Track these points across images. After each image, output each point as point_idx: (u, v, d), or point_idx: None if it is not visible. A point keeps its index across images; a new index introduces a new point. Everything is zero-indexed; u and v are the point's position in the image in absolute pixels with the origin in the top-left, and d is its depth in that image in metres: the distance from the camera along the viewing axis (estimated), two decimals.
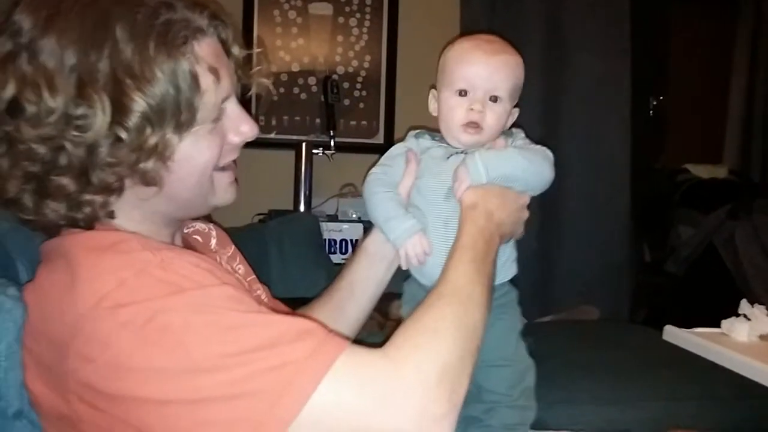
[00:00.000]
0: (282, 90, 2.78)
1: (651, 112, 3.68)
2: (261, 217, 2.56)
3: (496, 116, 0.98)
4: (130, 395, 0.71)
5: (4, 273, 0.91)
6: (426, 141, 1.03)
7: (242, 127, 0.86)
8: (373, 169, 1.04)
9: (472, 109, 0.97)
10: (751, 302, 1.19)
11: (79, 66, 0.73)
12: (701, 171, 3.25)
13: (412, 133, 1.06)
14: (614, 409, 1.51)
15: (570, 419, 1.40)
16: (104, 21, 0.74)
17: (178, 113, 0.76)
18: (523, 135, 1.04)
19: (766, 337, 1.15)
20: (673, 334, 1.20)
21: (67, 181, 0.77)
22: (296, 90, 2.81)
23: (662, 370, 1.64)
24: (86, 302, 0.71)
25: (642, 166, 3.13)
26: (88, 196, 0.78)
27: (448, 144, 1.02)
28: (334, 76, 2.78)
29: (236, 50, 0.87)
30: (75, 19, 0.74)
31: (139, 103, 0.74)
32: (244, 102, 0.93)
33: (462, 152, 0.99)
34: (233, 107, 0.86)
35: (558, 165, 3.19)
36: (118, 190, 0.79)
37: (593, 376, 1.64)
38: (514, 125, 1.06)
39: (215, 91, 0.80)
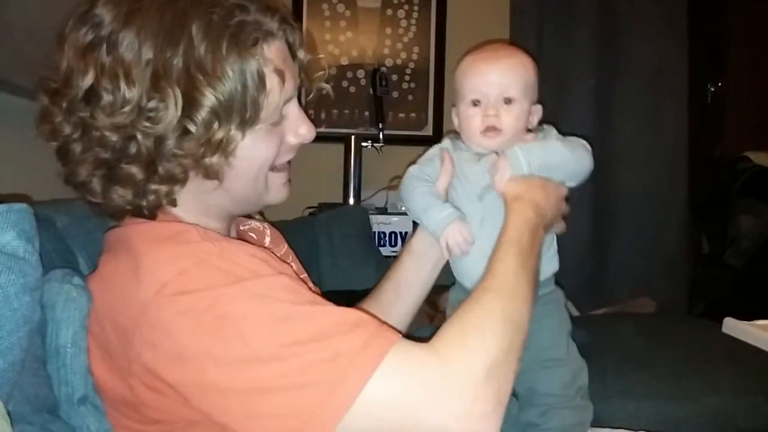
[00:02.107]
0: (331, 83, 2.79)
1: (709, 99, 3.57)
2: (311, 210, 2.58)
3: (512, 117, 0.99)
4: (189, 381, 0.74)
5: (66, 265, 0.95)
6: (461, 143, 1.04)
7: (301, 129, 0.89)
8: (410, 168, 1.06)
9: (487, 115, 0.98)
10: None
11: (155, 60, 0.77)
12: (763, 159, 3.14)
13: (449, 135, 1.08)
14: (672, 404, 1.48)
15: (626, 414, 1.38)
16: (181, 19, 0.77)
17: (244, 110, 0.80)
18: (555, 131, 1.03)
19: None
20: (732, 326, 1.17)
21: (135, 170, 0.80)
22: (345, 83, 2.82)
23: (721, 364, 1.59)
24: (149, 290, 0.74)
25: (700, 155, 3.04)
26: (153, 186, 0.81)
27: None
28: (383, 69, 2.78)
29: (302, 54, 0.90)
30: (154, 15, 0.78)
31: (209, 98, 0.77)
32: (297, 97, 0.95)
33: (495, 152, 0.99)
34: (295, 109, 0.89)
35: (613, 155, 3.16)
36: (182, 182, 0.82)
37: (650, 370, 1.60)
38: (545, 122, 1.06)
39: (279, 92, 0.83)
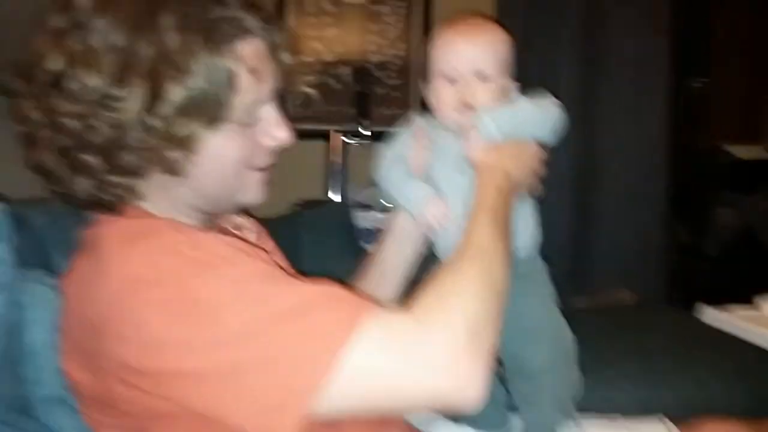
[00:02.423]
0: (315, 79, 2.80)
1: (691, 92, 3.61)
2: (295, 207, 2.58)
3: (488, 91, 0.98)
4: (167, 370, 0.73)
5: (42, 264, 0.95)
6: (433, 120, 1.03)
7: (277, 133, 0.87)
8: (383, 150, 1.05)
9: (461, 92, 0.98)
10: None
11: (123, 50, 0.76)
12: (741, 151, 3.18)
13: (418, 114, 1.07)
14: (651, 390, 1.51)
15: (604, 400, 1.39)
16: (155, 9, 0.76)
17: (212, 109, 0.78)
18: (517, 90, 1.03)
19: None
20: (706, 312, 1.20)
21: (94, 160, 0.79)
22: (329, 79, 2.83)
23: (697, 352, 1.62)
24: (120, 284, 0.74)
25: (681, 147, 3.07)
26: (113, 177, 0.80)
27: None
28: (367, 65, 2.79)
29: (285, 56, 0.88)
30: (127, 4, 0.77)
31: (175, 94, 0.76)
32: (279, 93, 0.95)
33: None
34: (271, 112, 0.87)
35: (594, 145, 3.18)
36: (143, 176, 0.82)
37: (629, 358, 1.63)
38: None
39: (252, 93, 0.82)
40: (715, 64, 3.64)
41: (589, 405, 1.25)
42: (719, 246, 3.01)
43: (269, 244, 1.10)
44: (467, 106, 0.98)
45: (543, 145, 1.00)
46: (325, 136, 2.65)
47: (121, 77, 0.76)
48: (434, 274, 0.81)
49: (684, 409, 1.14)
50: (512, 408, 1.08)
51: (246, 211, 1.12)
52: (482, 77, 0.98)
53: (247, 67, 0.80)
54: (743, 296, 1.23)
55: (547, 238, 1.09)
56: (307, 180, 2.69)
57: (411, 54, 2.87)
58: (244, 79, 0.80)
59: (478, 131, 0.94)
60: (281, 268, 1.06)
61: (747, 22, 3.63)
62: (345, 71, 2.83)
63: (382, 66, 2.86)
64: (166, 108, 0.76)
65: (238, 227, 1.06)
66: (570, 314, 1.11)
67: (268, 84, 0.84)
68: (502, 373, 1.05)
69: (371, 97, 2.74)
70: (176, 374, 0.73)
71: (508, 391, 1.07)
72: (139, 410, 0.78)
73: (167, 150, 0.78)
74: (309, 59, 2.78)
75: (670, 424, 1.07)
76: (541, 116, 0.98)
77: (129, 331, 0.73)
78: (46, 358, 0.85)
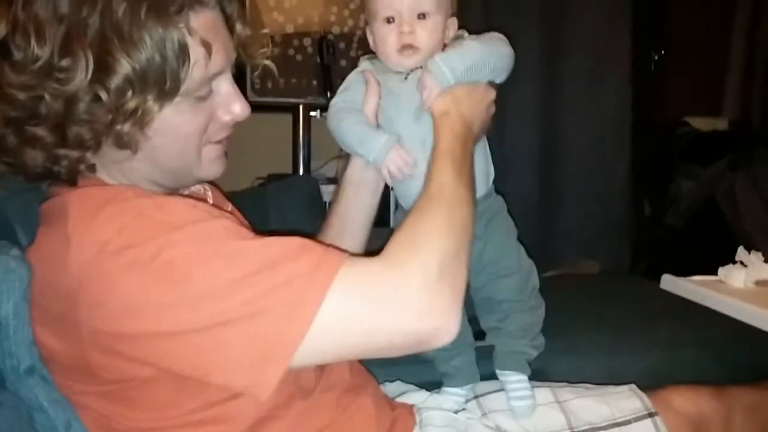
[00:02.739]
0: (277, 52, 2.75)
1: (652, 66, 3.65)
2: (260, 181, 2.56)
3: (428, 33, 0.97)
4: (144, 333, 0.73)
5: (4, 238, 0.92)
6: (381, 65, 1.02)
7: (233, 107, 0.87)
8: (334, 100, 1.04)
9: (402, 32, 0.97)
10: (749, 250, 1.20)
11: (69, 18, 0.73)
12: (701, 123, 3.23)
13: (365, 57, 1.06)
14: (615, 358, 1.54)
15: (571, 369, 1.42)
16: None
17: (162, 82, 0.76)
18: (466, 33, 1.03)
19: (762, 282, 1.16)
20: (670, 282, 1.21)
21: (42, 132, 0.78)
22: (291, 52, 2.78)
23: (661, 320, 1.67)
24: (89, 251, 0.73)
25: (643, 121, 3.11)
26: (63, 151, 0.79)
27: None
28: (329, 37, 2.75)
29: (239, 28, 0.87)
30: None
31: (123, 65, 0.74)
32: (239, 66, 0.93)
33: (419, 68, 0.98)
34: (226, 85, 0.86)
35: (557, 119, 3.21)
36: (93, 148, 0.80)
37: (594, 327, 1.66)
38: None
39: (205, 65, 0.80)
40: (674, 37, 3.68)
41: (558, 374, 1.27)
42: (682, 217, 3.07)
43: (227, 205, 1.10)
44: (409, 47, 0.97)
45: (493, 84, 1.01)
46: (289, 109, 2.62)
47: (66, 47, 0.74)
48: (403, 220, 0.83)
49: (651, 378, 1.17)
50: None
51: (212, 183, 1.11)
52: (422, 16, 0.97)
53: (199, 38, 0.78)
54: (706, 266, 1.25)
55: (513, 212, 1.11)
56: (273, 154, 2.67)
57: None
58: (196, 51, 0.79)
59: (432, 77, 0.94)
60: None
61: None
62: (307, 43, 2.79)
63: (344, 38, 2.82)
64: (114, 80, 0.74)
65: (194, 194, 1.04)
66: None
67: (221, 56, 0.82)
68: (469, 313, 1.07)
69: (335, 70, 2.71)
70: (154, 336, 0.73)
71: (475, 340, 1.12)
72: (118, 377, 0.78)
73: (117, 123, 0.77)
74: (269, 31, 2.73)
75: (639, 392, 1.09)
76: (492, 56, 0.98)
77: (103, 297, 0.73)
78: (15, 330, 0.84)
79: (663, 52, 3.64)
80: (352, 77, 1.05)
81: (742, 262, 1.18)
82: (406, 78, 0.99)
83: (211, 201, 1.05)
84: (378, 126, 1.01)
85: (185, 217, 0.76)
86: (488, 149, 1.07)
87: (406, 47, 0.97)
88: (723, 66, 3.61)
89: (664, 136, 3.29)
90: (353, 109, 1.01)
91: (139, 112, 0.77)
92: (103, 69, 0.74)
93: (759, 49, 3.49)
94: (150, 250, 0.72)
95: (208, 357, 0.73)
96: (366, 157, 0.99)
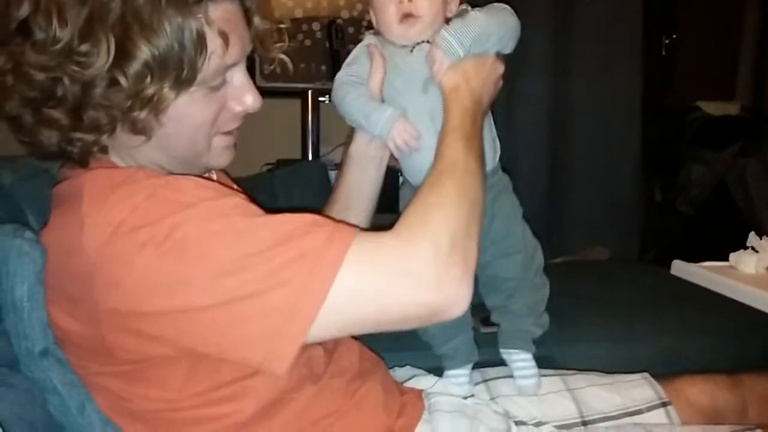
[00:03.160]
0: (285, 37, 2.74)
1: (663, 50, 3.61)
2: (269, 167, 2.56)
3: (428, 1, 0.97)
4: (161, 311, 0.74)
5: (16, 221, 0.92)
6: (386, 39, 1.02)
7: (245, 98, 0.87)
8: (338, 74, 1.04)
9: (401, 2, 0.96)
10: (760, 236, 1.19)
11: (92, 2, 0.74)
12: (713, 108, 3.20)
13: (370, 32, 1.05)
14: (625, 345, 1.53)
15: (580, 357, 1.42)
16: None
17: (180, 69, 0.77)
18: (470, 8, 1.02)
19: None
20: (681, 268, 1.20)
21: (59, 115, 0.78)
22: (300, 37, 2.77)
23: (672, 307, 1.66)
24: (105, 231, 0.74)
25: (653, 105, 3.09)
26: (78, 134, 0.80)
27: None
28: (339, 21, 2.73)
29: (258, 21, 0.88)
30: None
31: (143, 51, 0.75)
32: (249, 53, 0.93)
33: (424, 42, 0.98)
34: (240, 77, 0.86)
35: (567, 104, 3.19)
36: (109, 132, 0.81)
37: (603, 314, 1.65)
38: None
39: (222, 56, 0.81)
40: (686, 21, 3.65)
41: (568, 361, 1.27)
42: (693, 203, 3.05)
43: (232, 187, 1.09)
44: (409, 15, 0.97)
45: (500, 56, 1.01)
46: (298, 94, 2.61)
47: (88, 31, 0.74)
48: (415, 195, 0.84)
49: (662, 365, 1.17)
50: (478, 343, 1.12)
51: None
52: None
53: (217, 29, 0.80)
54: (717, 252, 1.24)
55: (523, 198, 1.11)
56: (282, 140, 2.67)
57: None
58: (213, 41, 0.79)
59: (441, 50, 0.94)
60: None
61: None
62: (316, 28, 2.78)
63: (353, 22, 2.81)
64: (134, 65, 0.75)
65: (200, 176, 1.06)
66: (547, 271, 1.13)
67: (237, 48, 0.83)
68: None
69: (344, 54, 2.70)
70: (171, 313, 0.74)
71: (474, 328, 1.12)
72: (135, 356, 0.79)
73: (134, 110, 0.78)
74: (278, 16, 2.72)
75: (654, 382, 1.09)
76: (498, 26, 0.98)
77: (119, 277, 0.74)
78: (30, 312, 0.85)
79: (674, 35, 3.61)
80: (357, 51, 1.04)
81: (753, 248, 1.17)
82: (411, 51, 0.99)
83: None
84: (383, 100, 1.01)
85: (196, 195, 0.77)
86: (493, 125, 1.07)
87: (407, 16, 0.97)
88: (735, 50, 3.58)
89: (675, 121, 3.27)
90: (358, 83, 1.01)
91: (156, 98, 0.78)
92: (123, 54, 0.75)
93: None
94: (164, 228, 0.73)
95: (225, 332, 0.74)
96: (371, 130, 0.99)
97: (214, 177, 1.06)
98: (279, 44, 0.95)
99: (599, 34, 2.84)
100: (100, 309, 0.76)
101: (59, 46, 0.74)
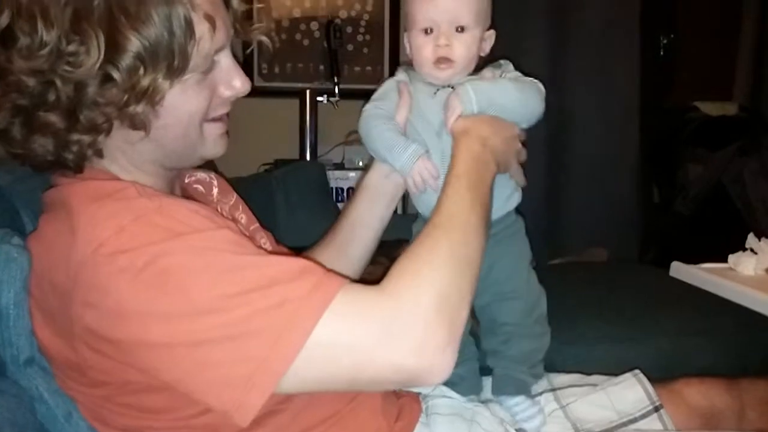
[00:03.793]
0: (284, 36, 2.74)
1: (661, 50, 3.62)
2: (267, 166, 2.56)
3: (465, 46, 0.97)
4: (133, 339, 0.72)
5: (10, 224, 0.92)
6: (415, 74, 1.03)
7: (234, 82, 0.86)
8: (367, 106, 1.04)
9: (438, 45, 0.97)
10: (759, 237, 1.19)
11: (74, 0, 0.72)
12: (711, 108, 3.20)
13: (402, 67, 1.06)
14: (623, 346, 1.53)
15: (578, 359, 1.42)
16: None
17: (172, 58, 0.75)
18: (512, 67, 1.03)
19: None
20: (679, 269, 1.20)
21: (54, 118, 0.77)
22: (298, 36, 2.78)
23: (670, 308, 1.65)
24: (86, 249, 0.72)
25: (651, 106, 3.10)
26: (75, 136, 0.78)
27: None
28: (337, 21, 2.74)
29: (236, 3, 0.86)
30: None
31: (134, 43, 0.73)
32: (245, 49, 0.92)
33: (449, 87, 0.99)
34: (227, 60, 0.85)
35: (564, 106, 3.17)
36: (106, 132, 0.79)
37: (602, 315, 1.66)
38: (504, 58, 1.05)
39: (210, 40, 0.79)
40: (684, 22, 3.65)
41: (566, 362, 1.27)
42: (691, 204, 3.05)
43: (232, 196, 1.09)
44: (445, 60, 0.97)
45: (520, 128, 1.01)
46: (296, 94, 2.61)
47: (75, 29, 0.73)
48: (407, 248, 0.80)
49: (660, 366, 1.16)
50: (485, 372, 1.10)
51: (214, 169, 1.11)
52: (460, 29, 0.98)
53: (203, 13, 0.78)
54: (716, 253, 1.24)
55: (522, 199, 1.09)
56: (280, 139, 2.67)
57: (381, 9, 2.82)
58: (201, 26, 0.78)
59: (458, 99, 0.94)
60: (250, 230, 1.06)
61: None
62: (314, 27, 2.78)
63: (351, 22, 2.81)
64: (125, 58, 0.73)
65: (200, 182, 1.05)
66: (545, 272, 1.13)
67: (222, 31, 0.82)
68: (476, 330, 1.07)
69: (342, 54, 2.70)
70: (143, 344, 0.72)
71: (480, 356, 1.10)
72: (109, 378, 0.77)
73: (131, 104, 0.76)
74: (277, 15, 2.72)
75: (645, 381, 1.08)
76: (521, 104, 0.98)
77: (96, 298, 0.72)
78: (16, 320, 0.84)
79: (672, 36, 3.62)
80: (388, 86, 1.04)
81: (752, 250, 1.17)
82: (435, 93, 0.99)
83: (216, 190, 1.05)
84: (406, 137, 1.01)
85: (186, 225, 0.74)
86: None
87: (442, 60, 0.97)
88: (733, 51, 3.59)
89: (673, 121, 3.27)
90: (385, 117, 1.01)
91: (151, 90, 0.76)
92: (113, 48, 0.73)
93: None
94: (145, 256, 0.71)
95: (192, 373, 0.71)
96: (393, 163, 0.98)
97: (215, 182, 1.06)
98: (258, 25, 0.93)
99: (597, 35, 2.84)
100: (76, 325, 0.74)
101: (47, 48, 0.73)
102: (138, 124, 0.78)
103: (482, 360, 1.09)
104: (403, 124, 1.01)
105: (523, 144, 1.02)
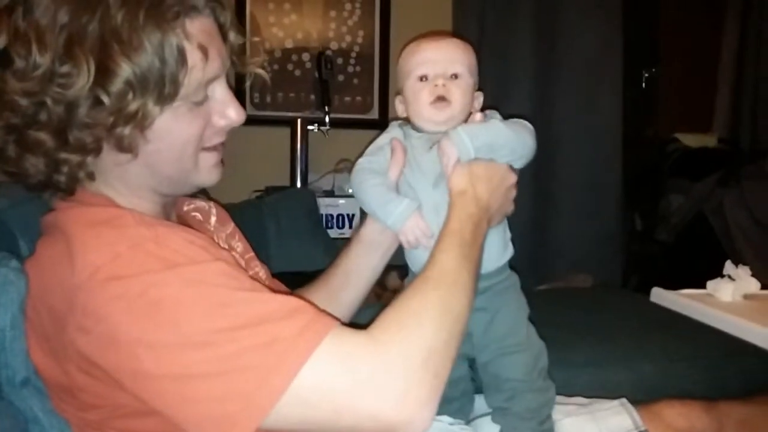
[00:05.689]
0: (276, 67, 2.79)
1: (643, 83, 3.70)
2: (258, 194, 2.58)
3: (461, 90, 1.00)
4: (123, 368, 0.73)
5: (7, 248, 0.92)
6: (409, 130, 1.04)
7: (229, 112, 0.87)
8: (360, 160, 1.04)
9: (435, 86, 0.99)
10: (736, 265, 1.22)
11: (69, 26, 0.75)
12: (691, 140, 3.27)
13: (395, 123, 1.07)
14: (607, 371, 1.56)
15: (563, 382, 1.44)
16: None
17: (162, 85, 0.76)
18: (498, 115, 1.04)
19: (750, 296, 1.18)
20: (660, 295, 1.23)
21: (44, 137, 0.78)
22: (290, 66, 2.82)
23: (653, 334, 1.69)
24: (81, 274, 0.73)
25: (633, 137, 3.16)
26: (64, 155, 0.79)
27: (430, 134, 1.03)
28: (328, 52, 2.78)
29: (233, 36, 0.88)
30: None
31: (124, 69, 0.75)
32: (238, 79, 0.94)
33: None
34: (222, 91, 0.86)
35: (551, 136, 3.22)
36: (94, 152, 0.80)
37: (586, 340, 1.67)
38: (489, 108, 1.07)
39: (202, 70, 0.80)
40: (665, 56, 3.73)
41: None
42: (672, 232, 3.10)
43: (230, 225, 1.10)
44: (442, 99, 0.99)
45: (512, 168, 1.01)
46: (287, 123, 2.65)
47: (68, 53, 0.75)
48: (397, 298, 0.80)
49: (642, 390, 1.18)
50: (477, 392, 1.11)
51: (207, 195, 1.12)
52: (455, 76, 1.00)
53: (196, 43, 0.79)
54: (697, 280, 1.27)
55: (508, 224, 1.10)
56: (271, 167, 2.69)
57: (371, 41, 2.87)
58: (193, 55, 0.79)
59: (452, 144, 0.94)
60: (245, 259, 1.07)
61: (694, 15, 3.74)
62: (306, 58, 2.82)
63: (342, 53, 2.86)
64: (115, 83, 0.75)
65: (198, 209, 1.06)
66: (532, 297, 1.14)
67: (216, 62, 0.83)
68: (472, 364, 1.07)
69: (332, 85, 2.74)
70: (133, 372, 0.73)
71: (473, 380, 1.10)
72: (100, 401, 0.78)
73: (118, 126, 0.77)
74: (269, 46, 2.77)
75: (632, 409, 1.10)
76: (514, 140, 0.99)
77: (89, 323, 0.73)
78: (12, 341, 0.84)
79: (654, 69, 3.69)
80: (381, 141, 1.05)
81: (730, 276, 1.20)
82: (430, 148, 1.00)
83: (214, 218, 1.07)
84: (399, 192, 1.01)
85: (182, 256, 0.75)
86: (508, 228, 1.06)
87: (439, 99, 0.99)
88: (712, 84, 3.67)
89: (654, 152, 3.34)
90: (377, 172, 1.01)
91: (140, 114, 0.77)
92: (104, 73, 0.74)
93: (747, 68, 3.55)
94: (140, 285, 0.72)
95: (178, 405, 0.72)
96: (385, 220, 0.98)
97: (214, 211, 1.07)
98: (256, 59, 0.95)
99: (582, 68, 2.91)
100: (69, 349, 0.75)
101: (41, 71, 0.75)
102: (125, 147, 0.79)
103: (476, 378, 1.09)
104: (396, 180, 1.01)
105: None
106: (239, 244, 1.09)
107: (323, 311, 0.76)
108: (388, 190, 0.99)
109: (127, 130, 0.77)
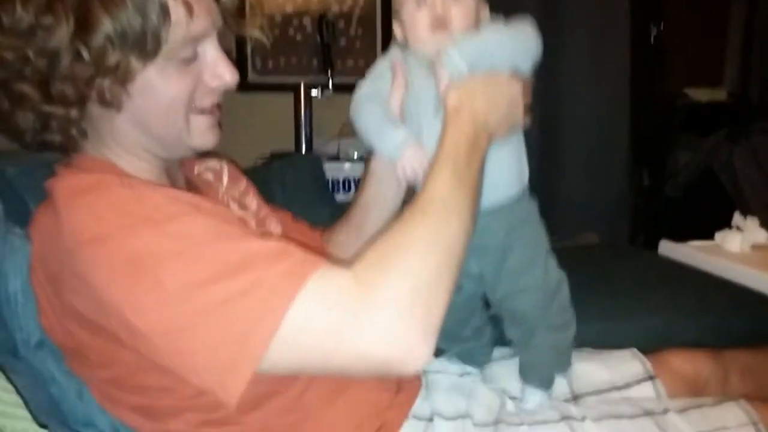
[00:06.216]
0: (277, 32, 2.76)
1: (652, 39, 3.65)
2: (263, 160, 2.58)
3: (462, 10, 0.91)
4: (114, 325, 0.74)
5: (18, 214, 0.94)
6: (409, 56, 0.96)
7: (220, 71, 0.86)
8: (360, 86, 0.98)
9: (434, 9, 0.90)
10: (745, 216, 1.22)
11: None
12: (700, 95, 3.23)
13: (397, 45, 0.99)
14: (613, 323, 1.56)
15: (577, 337, 1.45)
16: None
17: (143, 41, 0.76)
18: (501, 21, 0.95)
19: (758, 247, 1.19)
20: (668, 247, 1.24)
21: (29, 89, 0.79)
22: (291, 31, 2.80)
23: (660, 287, 1.69)
24: (68, 238, 0.75)
25: (642, 93, 3.12)
26: (48, 107, 0.80)
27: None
28: (329, 15, 2.76)
29: None
30: None
31: (104, 24, 0.75)
32: (239, 44, 0.92)
33: None
34: (213, 50, 0.85)
35: (557, 96, 3.18)
36: (77, 105, 0.81)
37: (594, 296, 1.66)
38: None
39: (187, 26, 0.80)
40: (674, 10, 3.68)
41: None
42: (680, 188, 3.08)
43: (242, 183, 1.10)
44: (441, 25, 0.91)
45: (520, 74, 0.92)
46: (290, 88, 2.63)
47: (48, 7, 0.75)
48: (384, 230, 0.78)
49: (650, 343, 1.18)
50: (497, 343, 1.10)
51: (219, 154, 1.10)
52: None
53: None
54: (704, 236, 1.28)
55: None
56: (275, 133, 2.68)
57: (373, 3, 2.84)
58: (177, 11, 0.79)
59: (444, 66, 0.87)
60: (259, 214, 1.07)
61: None
62: (306, 22, 2.80)
63: (343, 16, 2.83)
64: (95, 38, 0.75)
65: (210, 168, 1.06)
66: None
67: (204, 20, 0.82)
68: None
69: (334, 48, 2.72)
70: (124, 329, 0.74)
71: (495, 328, 1.09)
72: (109, 360, 0.80)
73: (97, 78, 0.78)
74: (269, 11, 2.74)
75: (642, 356, 1.11)
76: (512, 43, 0.91)
77: (79, 286, 0.75)
78: (24, 305, 0.87)
79: (662, 24, 3.64)
80: (381, 66, 0.98)
81: (738, 227, 1.20)
82: (430, 72, 0.91)
83: (226, 177, 1.07)
84: (402, 119, 0.95)
85: (163, 213, 0.75)
86: (523, 145, 0.98)
87: (439, 24, 0.90)
88: (722, 38, 3.61)
89: (663, 107, 3.30)
90: (377, 99, 0.95)
91: (120, 68, 0.77)
92: (84, 27, 0.75)
93: (757, 21, 3.49)
94: (120, 244, 0.72)
95: (174, 357, 0.73)
96: (382, 151, 0.94)
97: (225, 169, 1.07)
98: (253, 20, 0.94)
99: (588, 24, 2.86)
100: (68, 309, 0.78)
101: (23, 26, 0.76)
102: (107, 101, 0.80)
103: (497, 326, 1.07)
104: (398, 106, 0.95)
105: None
106: (253, 201, 1.09)
107: (310, 253, 0.75)
108: (386, 120, 0.93)
109: (106, 83, 0.78)
